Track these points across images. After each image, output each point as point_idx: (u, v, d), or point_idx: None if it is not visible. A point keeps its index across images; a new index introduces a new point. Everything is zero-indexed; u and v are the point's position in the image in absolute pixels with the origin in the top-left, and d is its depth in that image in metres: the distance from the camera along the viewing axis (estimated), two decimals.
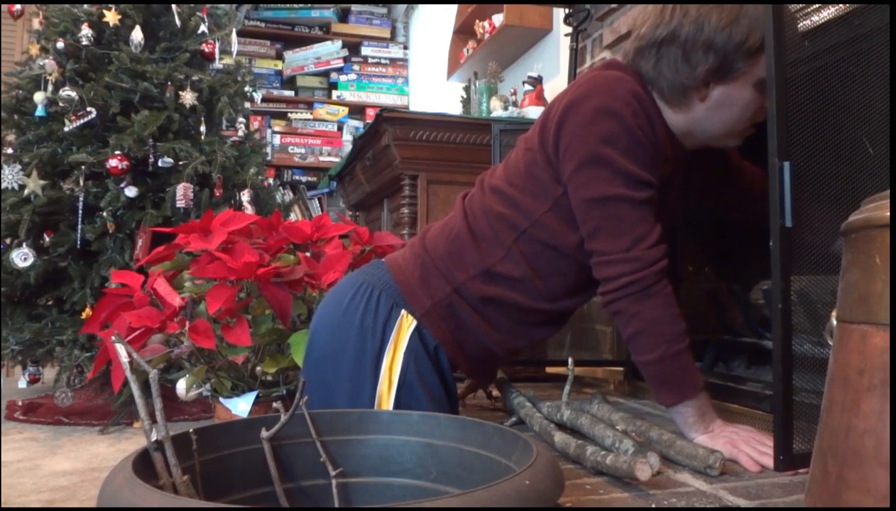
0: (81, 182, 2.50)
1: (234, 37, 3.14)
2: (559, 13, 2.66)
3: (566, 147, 1.11)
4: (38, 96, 2.55)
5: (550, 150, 1.15)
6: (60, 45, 2.57)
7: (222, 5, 3.17)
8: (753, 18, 1.06)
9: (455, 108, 3.35)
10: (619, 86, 1.10)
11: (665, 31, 1.11)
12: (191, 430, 0.80)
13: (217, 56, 2.88)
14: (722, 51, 1.07)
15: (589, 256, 1.15)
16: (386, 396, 1.13)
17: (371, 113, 4.78)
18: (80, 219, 2.47)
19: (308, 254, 1.61)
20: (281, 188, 4.33)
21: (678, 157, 1.21)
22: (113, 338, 0.76)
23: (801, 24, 1.16)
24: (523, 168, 1.20)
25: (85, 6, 2.66)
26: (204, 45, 2.83)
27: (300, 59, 4.54)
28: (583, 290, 1.26)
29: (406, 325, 1.18)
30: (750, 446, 1.08)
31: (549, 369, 1.96)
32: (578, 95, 1.12)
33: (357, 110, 5.05)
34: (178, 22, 2.78)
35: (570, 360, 1.38)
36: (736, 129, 1.14)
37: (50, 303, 2.59)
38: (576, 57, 2.31)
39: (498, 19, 2.89)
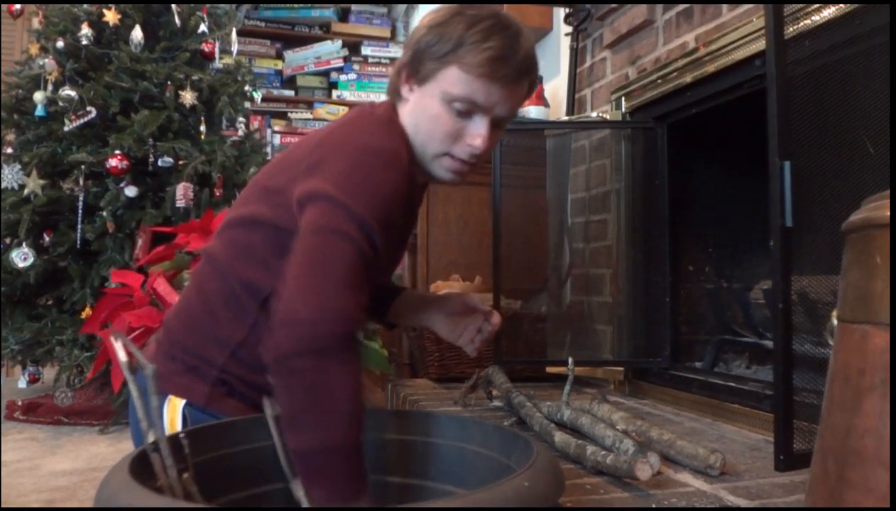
0: (81, 182, 2.49)
1: (234, 36, 3.13)
2: (559, 13, 2.66)
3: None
4: (38, 96, 2.55)
5: None
6: (60, 44, 2.57)
7: (222, 5, 3.17)
8: (466, 31, 0.91)
9: None
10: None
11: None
12: (189, 430, 0.80)
13: (217, 56, 2.88)
14: (415, 47, 0.96)
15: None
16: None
17: None
18: (79, 218, 2.47)
19: None
20: None
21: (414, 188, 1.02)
22: (112, 336, 0.76)
23: (802, 23, 1.16)
24: None
25: (85, 6, 2.65)
26: (204, 44, 2.82)
27: (300, 58, 4.52)
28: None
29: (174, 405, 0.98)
30: None
31: (549, 369, 1.96)
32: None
33: None
34: (178, 21, 2.78)
35: (570, 360, 1.38)
36: (430, 147, 0.96)
37: (50, 303, 2.59)
38: (576, 57, 2.31)
39: None
